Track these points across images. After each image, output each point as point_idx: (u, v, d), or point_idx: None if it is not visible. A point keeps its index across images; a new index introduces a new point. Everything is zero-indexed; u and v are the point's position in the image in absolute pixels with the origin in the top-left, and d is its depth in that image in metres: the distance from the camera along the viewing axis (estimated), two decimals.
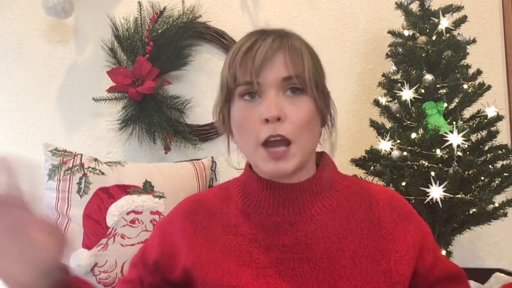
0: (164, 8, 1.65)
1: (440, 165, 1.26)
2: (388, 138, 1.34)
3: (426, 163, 1.26)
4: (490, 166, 1.32)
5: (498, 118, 1.33)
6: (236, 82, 0.69)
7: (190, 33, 1.65)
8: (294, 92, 0.68)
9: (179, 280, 0.73)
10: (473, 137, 1.36)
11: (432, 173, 1.25)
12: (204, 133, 1.70)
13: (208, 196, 0.78)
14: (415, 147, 1.29)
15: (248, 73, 0.68)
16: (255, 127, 0.67)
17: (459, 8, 1.41)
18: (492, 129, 1.34)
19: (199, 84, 1.73)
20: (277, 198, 0.72)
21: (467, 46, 1.40)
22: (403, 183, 1.30)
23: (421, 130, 1.30)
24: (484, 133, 1.35)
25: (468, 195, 1.26)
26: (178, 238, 0.73)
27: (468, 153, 1.29)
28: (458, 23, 1.40)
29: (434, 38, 1.38)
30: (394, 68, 1.47)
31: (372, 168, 1.42)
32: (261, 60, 0.67)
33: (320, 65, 0.73)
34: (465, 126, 1.27)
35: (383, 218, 0.73)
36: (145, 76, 1.58)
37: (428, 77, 1.32)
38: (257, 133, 0.67)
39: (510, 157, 1.32)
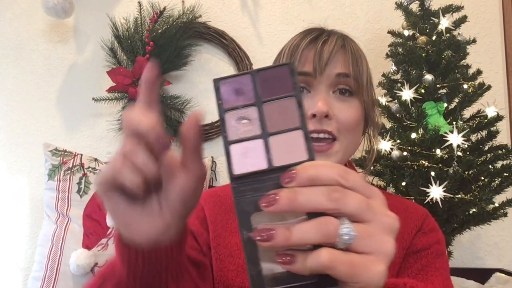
0: (164, 8, 1.65)
1: (440, 165, 1.26)
2: (388, 138, 1.34)
3: (426, 163, 1.26)
4: (490, 166, 1.32)
5: (498, 118, 1.33)
6: None
7: (190, 33, 1.65)
8: (343, 93, 0.68)
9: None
10: (473, 137, 1.36)
11: (432, 173, 1.25)
12: (204, 133, 1.70)
13: (224, 192, 0.77)
14: (415, 147, 1.29)
15: (308, 64, 0.67)
16: None
17: (459, 8, 1.41)
18: (492, 129, 1.34)
19: (199, 84, 1.73)
20: None
21: (467, 46, 1.40)
22: (403, 183, 1.30)
23: (421, 130, 1.30)
24: (484, 133, 1.35)
25: (468, 195, 1.26)
26: (204, 222, 0.71)
27: (468, 153, 1.29)
28: (458, 23, 1.40)
29: (434, 38, 1.38)
30: (394, 68, 1.47)
31: (372, 168, 1.42)
32: (328, 54, 0.66)
33: (370, 71, 0.74)
34: (465, 126, 1.27)
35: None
36: None
37: (428, 77, 1.32)
38: None
39: (510, 157, 1.32)
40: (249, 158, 0.33)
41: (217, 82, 0.35)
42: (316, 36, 0.70)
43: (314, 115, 0.65)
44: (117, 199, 0.39)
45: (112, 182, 0.37)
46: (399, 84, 1.39)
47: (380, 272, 0.31)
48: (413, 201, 0.79)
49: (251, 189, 0.33)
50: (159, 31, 1.63)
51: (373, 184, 1.47)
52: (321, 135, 0.66)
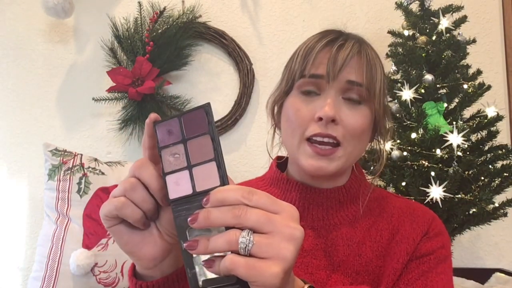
0: (164, 8, 1.65)
1: (440, 165, 1.26)
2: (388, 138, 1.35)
3: (426, 163, 1.26)
4: (490, 166, 1.32)
5: (498, 118, 1.33)
6: (303, 73, 0.68)
7: (190, 33, 1.65)
8: (353, 99, 0.67)
9: None
10: (473, 137, 1.36)
11: (432, 173, 1.25)
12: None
13: None
14: (415, 147, 1.29)
15: (321, 68, 0.66)
16: (305, 122, 0.66)
17: (459, 8, 1.42)
18: (492, 129, 1.34)
19: (199, 84, 1.73)
20: (303, 202, 0.71)
21: (467, 46, 1.40)
22: (403, 183, 1.30)
23: (421, 130, 1.30)
24: (484, 133, 1.35)
25: (468, 195, 1.26)
26: None
27: (468, 153, 1.29)
28: (458, 23, 1.40)
29: (434, 38, 1.38)
30: (394, 68, 1.47)
31: (372, 168, 1.42)
32: (343, 61, 0.65)
33: (385, 79, 0.72)
34: (465, 126, 1.27)
35: (401, 228, 0.72)
36: (145, 76, 1.58)
37: (428, 77, 1.32)
38: (305, 128, 0.66)
39: (510, 157, 1.32)
40: (180, 185, 0.42)
41: (154, 125, 0.45)
42: (333, 39, 0.68)
43: (320, 118, 0.64)
44: (121, 230, 0.46)
45: (115, 217, 0.45)
46: (399, 84, 1.39)
47: (274, 273, 0.37)
48: (420, 203, 0.78)
49: (184, 209, 0.42)
50: (159, 31, 1.63)
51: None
52: (325, 139, 0.65)
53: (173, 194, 0.43)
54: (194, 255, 0.40)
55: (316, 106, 0.66)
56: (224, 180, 0.41)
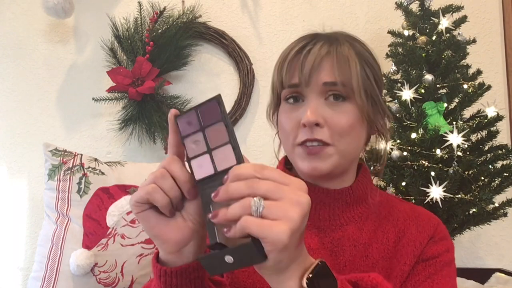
0: (164, 8, 1.65)
1: (440, 165, 1.26)
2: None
3: (426, 163, 1.26)
4: (490, 166, 1.32)
5: (498, 118, 1.33)
6: (283, 85, 0.71)
7: (190, 33, 1.65)
8: (336, 98, 0.68)
9: None
10: (473, 137, 1.36)
11: (432, 173, 1.26)
12: None
13: None
14: (415, 147, 1.29)
15: (295, 77, 0.69)
16: (293, 130, 0.69)
17: (459, 8, 1.42)
18: (492, 129, 1.34)
19: (199, 84, 1.73)
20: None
21: (467, 46, 1.40)
22: (403, 183, 1.30)
23: (421, 130, 1.30)
24: (484, 133, 1.35)
25: (468, 195, 1.26)
26: None
27: (468, 153, 1.29)
28: (458, 23, 1.40)
29: (434, 38, 1.38)
30: (394, 68, 1.47)
31: (372, 168, 1.42)
32: (310, 65, 0.67)
33: (373, 72, 0.71)
34: (465, 126, 1.27)
35: (407, 231, 0.73)
36: (145, 76, 1.58)
37: (428, 77, 1.32)
38: (295, 136, 0.69)
39: (510, 157, 1.32)
40: (203, 167, 0.49)
41: (175, 119, 0.51)
42: (304, 45, 0.70)
43: (305, 125, 0.66)
44: (149, 215, 0.51)
45: (145, 201, 0.50)
46: (399, 84, 1.39)
47: (282, 230, 0.41)
48: (424, 208, 0.79)
49: (209, 187, 0.48)
50: (159, 31, 1.63)
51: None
52: (315, 143, 0.67)
53: (198, 175, 0.49)
54: (216, 227, 0.46)
55: (300, 113, 0.68)
56: (239, 159, 0.47)
